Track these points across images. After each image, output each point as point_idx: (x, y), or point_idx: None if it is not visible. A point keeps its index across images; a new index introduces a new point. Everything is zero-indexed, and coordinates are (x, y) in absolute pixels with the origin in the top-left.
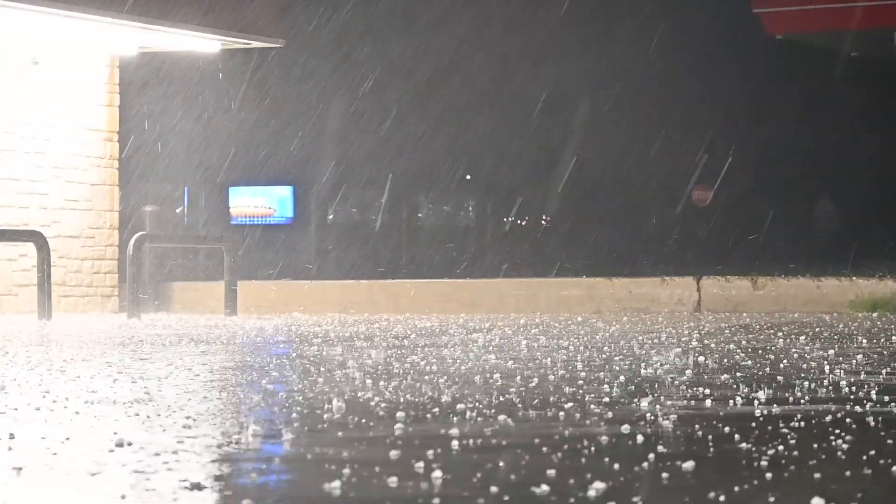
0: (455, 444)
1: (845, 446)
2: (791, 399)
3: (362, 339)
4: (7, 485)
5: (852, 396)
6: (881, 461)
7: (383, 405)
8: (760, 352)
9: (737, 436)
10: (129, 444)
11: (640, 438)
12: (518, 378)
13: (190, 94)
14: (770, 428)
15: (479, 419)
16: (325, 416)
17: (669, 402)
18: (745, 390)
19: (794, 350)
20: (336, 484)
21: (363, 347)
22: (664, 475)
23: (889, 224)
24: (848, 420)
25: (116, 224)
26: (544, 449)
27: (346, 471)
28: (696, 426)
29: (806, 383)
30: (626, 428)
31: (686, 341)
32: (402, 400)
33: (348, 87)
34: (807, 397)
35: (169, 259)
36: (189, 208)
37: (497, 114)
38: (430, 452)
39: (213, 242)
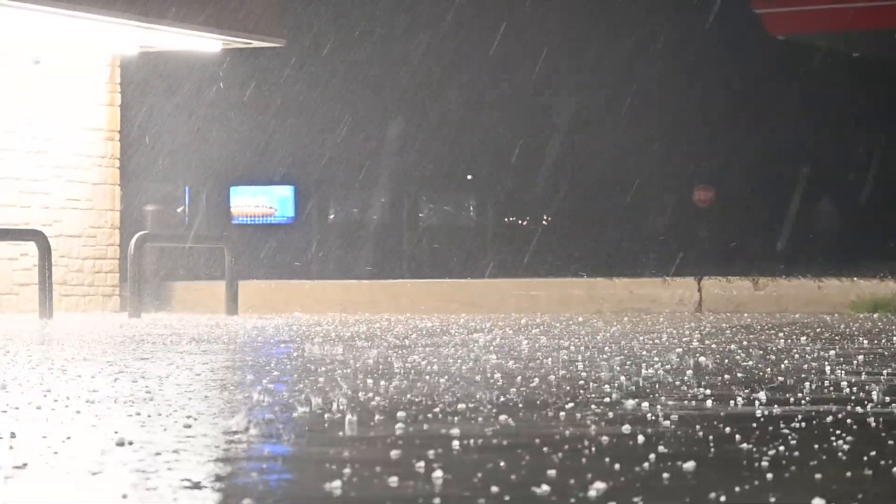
0: (456, 443)
1: (846, 447)
2: (792, 399)
3: (363, 339)
4: (8, 484)
5: (853, 397)
6: (882, 462)
7: (384, 405)
8: (761, 352)
9: (738, 436)
10: (130, 444)
11: (640, 439)
12: (519, 378)
13: (191, 94)
14: (771, 428)
15: (479, 419)
16: (325, 415)
17: (670, 403)
18: (746, 391)
19: (795, 350)
20: (337, 483)
21: (364, 347)
22: (665, 475)
23: (890, 224)
24: (849, 421)
25: (118, 223)
26: (545, 449)
27: (347, 470)
28: (697, 426)
29: (807, 384)
30: (626, 428)
31: (687, 342)
32: (402, 400)
33: (349, 86)
34: (808, 398)
35: (170, 258)
36: (190, 208)
37: (498, 113)
38: (430, 452)
39: (214, 242)
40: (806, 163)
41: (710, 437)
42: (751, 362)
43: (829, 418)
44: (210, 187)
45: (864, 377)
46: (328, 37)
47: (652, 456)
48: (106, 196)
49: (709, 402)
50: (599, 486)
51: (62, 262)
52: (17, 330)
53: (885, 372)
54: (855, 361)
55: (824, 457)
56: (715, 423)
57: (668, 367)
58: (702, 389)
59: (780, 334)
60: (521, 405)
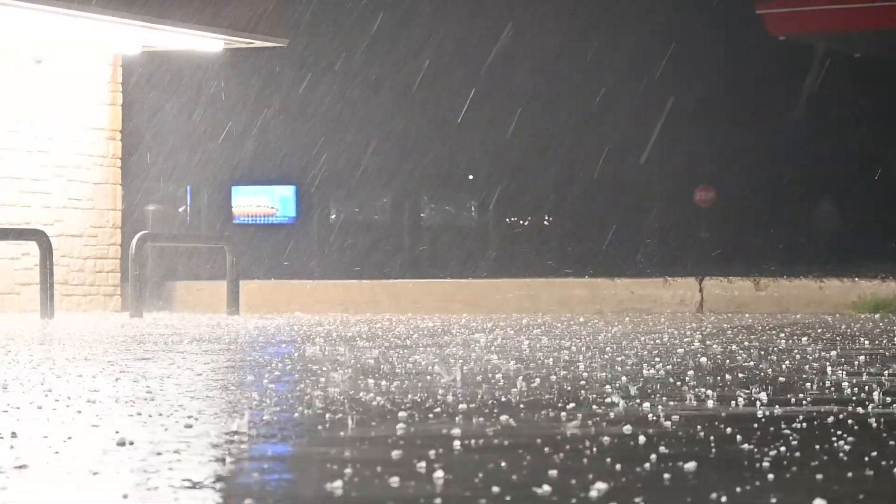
0: (457, 444)
1: (847, 447)
2: (793, 400)
3: (364, 339)
4: (9, 483)
5: (854, 398)
6: (883, 462)
7: (385, 405)
8: (762, 353)
9: (739, 437)
10: (131, 443)
11: (641, 439)
12: (520, 378)
13: (192, 94)
14: (772, 429)
15: (480, 419)
16: (326, 415)
17: (671, 403)
18: (747, 391)
19: (796, 351)
20: (338, 484)
21: (365, 347)
22: (666, 476)
23: (891, 225)
24: (850, 421)
25: (119, 223)
26: (546, 449)
27: (348, 470)
28: (698, 427)
29: (808, 384)
30: (628, 428)
31: (688, 342)
32: (403, 400)
33: (351, 86)
34: (809, 398)
35: (171, 258)
36: (191, 207)
37: (499, 113)
38: (431, 452)
39: (215, 242)
40: (808, 164)
41: (712, 438)
42: (752, 363)
43: (831, 419)
44: (211, 187)
45: (865, 378)
46: (329, 36)
47: (653, 456)
48: (107, 196)
49: (710, 403)
50: (601, 486)
51: (63, 262)
52: (18, 329)
53: (886, 372)
54: (856, 362)
55: (825, 457)
56: (716, 423)
57: (669, 367)
58: (703, 390)
59: (782, 335)
60: (522, 405)
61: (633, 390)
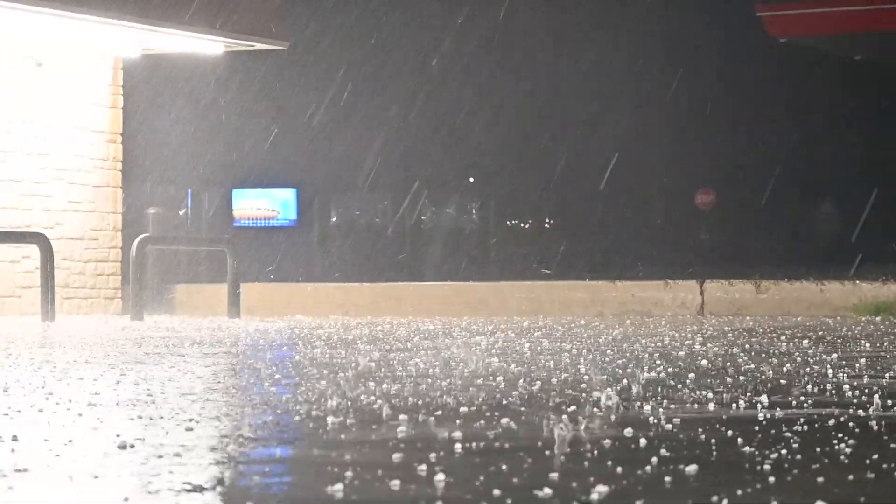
0: (458, 446)
1: (848, 450)
2: (794, 403)
3: (365, 342)
4: (10, 486)
5: (855, 400)
6: (884, 465)
7: (386, 408)
8: (763, 355)
9: (740, 439)
10: (132, 447)
11: (642, 442)
12: (521, 381)
13: (193, 96)
14: (773, 431)
15: (481, 422)
16: (327, 418)
17: (672, 406)
18: (748, 394)
19: (797, 354)
20: (338, 487)
21: (366, 350)
22: (667, 479)
23: (892, 227)
24: (851, 424)
25: (120, 226)
26: (547, 452)
27: (349, 473)
28: (699, 430)
29: (809, 387)
30: (628, 431)
31: (689, 345)
32: (404, 403)
33: (352, 88)
34: (810, 401)
35: (172, 261)
36: (192, 210)
37: (500, 116)
38: (432, 455)
39: (216, 244)
40: (807, 166)
41: (712, 441)
42: (753, 365)
43: (832, 421)
44: (212, 190)
45: (866, 380)
46: (330, 39)
47: (654, 459)
48: (108, 198)
49: (711, 406)
50: (601, 489)
51: (64, 265)
52: (19, 332)
53: (887, 375)
54: (857, 364)
55: (826, 460)
56: (717, 426)
57: (670, 370)
58: (704, 392)
59: (783, 337)
60: (522, 408)
61: (633, 393)
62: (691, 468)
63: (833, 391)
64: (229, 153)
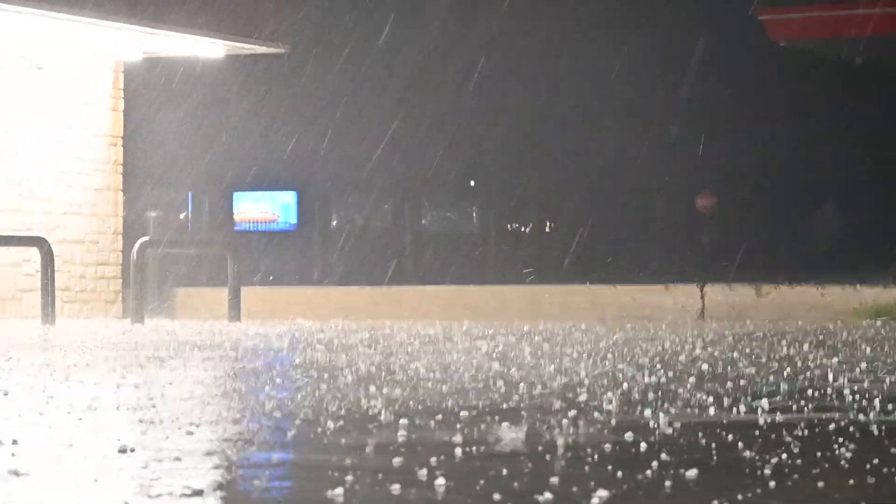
0: (458, 451)
1: (849, 455)
2: (794, 407)
3: (365, 346)
4: (10, 490)
5: (856, 405)
6: (884, 469)
7: (386, 412)
8: (764, 360)
9: (740, 444)
10: (132, 450)
11: (643, 446)
12: (521, 385)
13: (194, 100)
14: (773, 436)
15: (481, 426)
16: (327, 422)
17: (673, 410)
18: (749, 398)
19: (797, 358)
20: (339, 491)
21: (366, 354)
22: (667, 483)
23: (893, 231)
24: (851, 428)
25: (120, 229)
26: (547, 456)
27: (349, 478)
28: (700, 434)
29: (809, 391)
30: (629, 436)
31: (690, 349)
32: (404, 407)
33: (352, 92)
34: (810, 405)
35: (172, 264)
36: (193, 214)
37: (501, 120)
38: (433, 459)
39: (217, 248)
40: (808, 169)
41: (713, 445)
42: (753, 370)
43: (832, 426)
44: (213, 193)
45: (866, 385)
46: (330, 42)
47: (654, 463)
48: (109, 202)
49: (711, 410)
50: (602, 493)
51: (65, 268)
52: (19, 336)
53: (887, 379)
54: (857, 369)
55: (827, 465)
56: (717, 430)
57: (670, 374)
58: (704, 397)
59: (783, 342)
60: (522, 412)
61: (634, 397)
62: (692, 473)
63: (833, 396)
64: (230, 156)
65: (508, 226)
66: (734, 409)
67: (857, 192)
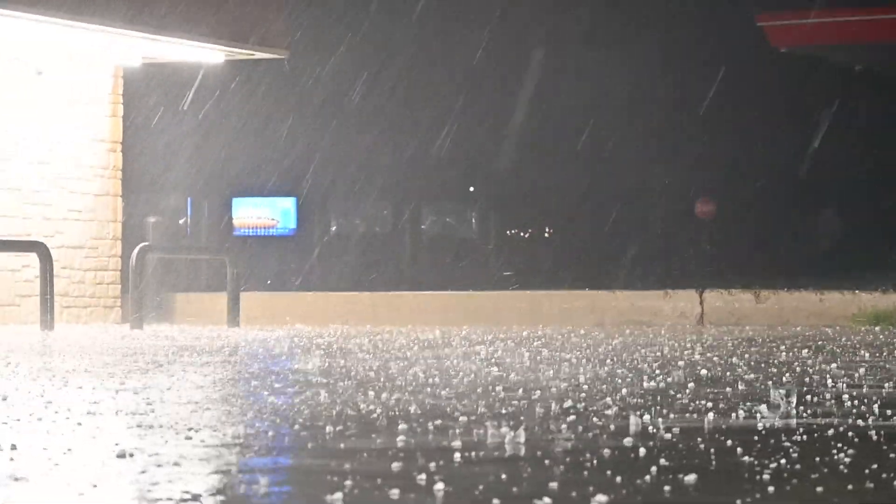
0: (457, 455)
1: (847, 460)
2: (793, 412)
3: (365, 351)
4: (8, 495)
5: (855, 410)
6: (883, 475)
7: (385, 417)
8: (763, 365)
9: (739, 449)
10: (131, 455)
11: (642, 451)
12: (520, 390)
13: (193, 105)
14: (772, 441)
15: (481, 431)
16: (326, 427)
17: (672, 415)
18: (748, 403)
19: (796, 363)
20: (338, 496)
21: (365, 359)
22: (666, 488)
23: (892, 236)
24: (850, 434)
25: (119, 235)
26: (546, 461)
27: (348, 482)
28: (699, 439)
29: (808, 397)
30: (628, 441)
31: (689, 354)
32: (403, 412)
33: (352, 98)
34: (809, 411)
35: (171, 270)
36: (192, 219)
37: (500, 125)
38: (432, 464)
39: (216, 254)
40: (807, 175)
41: (712, 450)
42: (752, 375)
43: (831, 431)
44: (212, 199)
45: (865, 390)
46: (330, 48)
47: (653, 469)
48: (108, 207)
49: (710, 415)
50: (601, 498)
51: (64, 274)
52: (18, 341)
53: (886, 385)
54: (856, 374)
55: (826, 470)
56: (716, 435)
57: (669, 379)
58: (703, 402)
59: (782, 347)
60: (522, 417)
61: (633, 402)
62: (690, 478)
63: (832, 401)
64: (229, 162)
65: (508, 231)
66: (733, 415)
67: (856, 198)
